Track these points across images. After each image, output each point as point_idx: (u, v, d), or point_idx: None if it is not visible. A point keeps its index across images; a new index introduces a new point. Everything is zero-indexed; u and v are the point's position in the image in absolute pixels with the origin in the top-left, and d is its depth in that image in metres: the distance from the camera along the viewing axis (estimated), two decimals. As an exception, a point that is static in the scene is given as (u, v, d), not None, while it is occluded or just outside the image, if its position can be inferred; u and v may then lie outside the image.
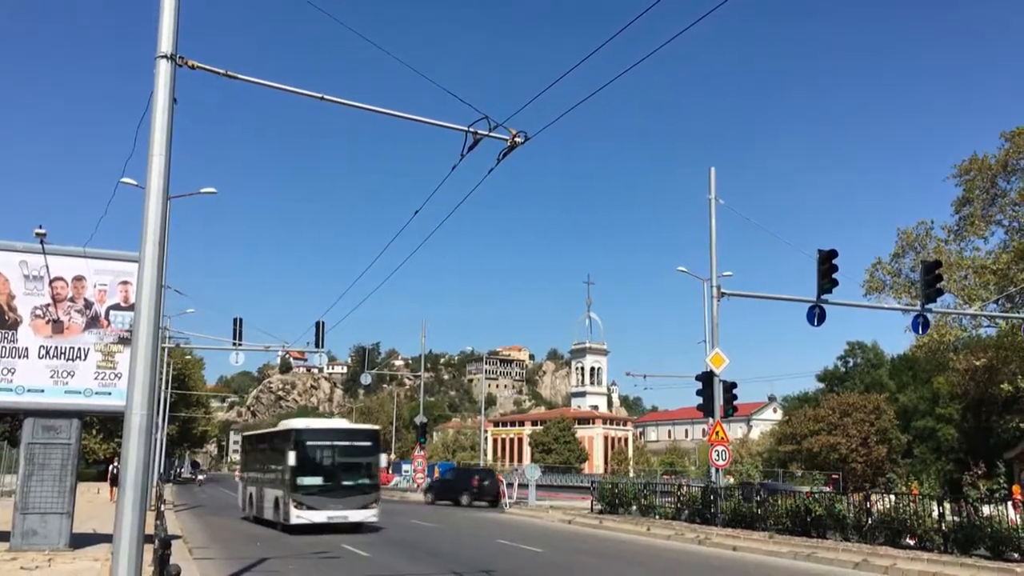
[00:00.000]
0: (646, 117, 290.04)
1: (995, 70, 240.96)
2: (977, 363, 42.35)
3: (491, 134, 11.45)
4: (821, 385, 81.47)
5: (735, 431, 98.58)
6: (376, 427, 28.52)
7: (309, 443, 23.45)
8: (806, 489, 24.50)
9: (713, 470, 26.37)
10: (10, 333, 16.24)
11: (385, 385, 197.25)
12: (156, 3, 9.42)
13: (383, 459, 23.59)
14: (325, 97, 11.30)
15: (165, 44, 9.32)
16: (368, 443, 24.55)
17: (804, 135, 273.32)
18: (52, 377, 16.37)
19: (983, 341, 42.35)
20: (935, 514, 17.87)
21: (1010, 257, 36.45)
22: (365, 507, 23.21)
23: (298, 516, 22.22)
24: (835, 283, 23.50)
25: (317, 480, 22.94)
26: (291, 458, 22.57)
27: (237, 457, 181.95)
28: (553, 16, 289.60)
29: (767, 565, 17.50)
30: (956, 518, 17.46)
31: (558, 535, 24.71)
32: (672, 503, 27.05)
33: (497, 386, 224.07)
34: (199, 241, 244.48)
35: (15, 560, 14.38)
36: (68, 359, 16.55)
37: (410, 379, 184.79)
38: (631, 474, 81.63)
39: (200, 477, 73.90)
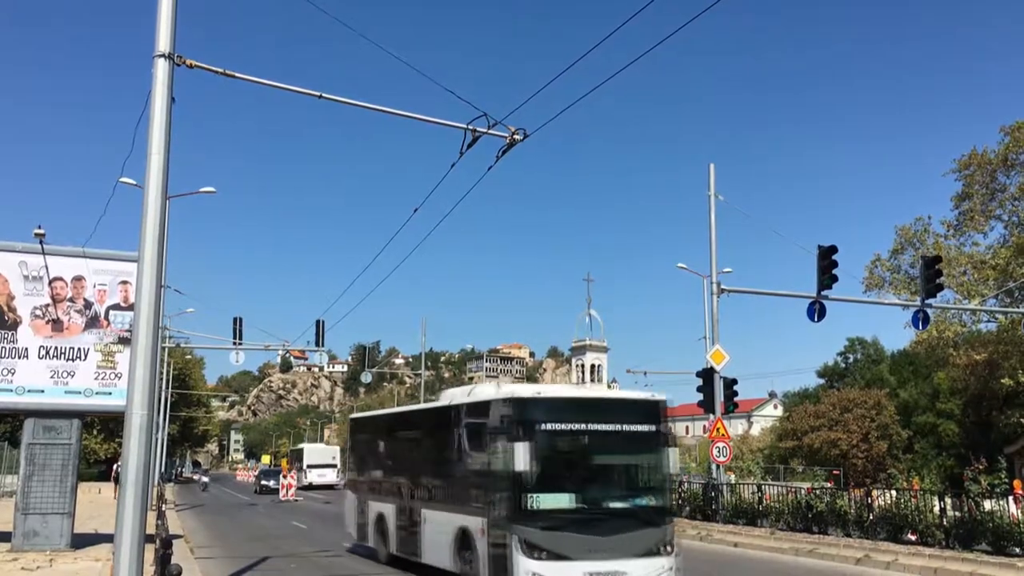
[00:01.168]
0: (645, 113, 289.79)
1: (995, 64, 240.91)
2: (977, 358, 42.24)
3: (490, 131, 11.48)
4: (821, 381, 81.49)
5: (736, 427, 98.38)
6: (660, 397, 13.30)
7: (549, 427, 11.75)
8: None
9: (714, 466, 26.36)
10: (10, 333, 16.25)
11: (386, 383, 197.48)
12: (154, 2, 9.42)
13: (673, 458, 12.32)
14: (323, 95, 11.31)
15: (163, 43, 9.32)
16: (650, 427, 12.54)
17: (804, 131, 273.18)
18: (52, 377, 16.38)
19: (983, 336, 42.33)
20: (936, 509, 17.83)
21: (1009, 252, 36.40)
22: (652, 552, 11.81)
23: (532, 571, 11.08)
24: (835, 279, 23.51)
25: (565, 500, 11.79)
26: (519, 455, 11.23)
27: (239, 456, 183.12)
28: (552, 12, 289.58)
29: (769, 561, 17.53)
30: (957, 513, 17.43)
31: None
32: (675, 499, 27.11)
33: (498, 384, 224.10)
34: (198, 240, 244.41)
35: (16, 560, 14.40)
36: (68, 359, 16.55)
37: (411, 377, 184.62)
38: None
39: (204, 479, 69.04)
